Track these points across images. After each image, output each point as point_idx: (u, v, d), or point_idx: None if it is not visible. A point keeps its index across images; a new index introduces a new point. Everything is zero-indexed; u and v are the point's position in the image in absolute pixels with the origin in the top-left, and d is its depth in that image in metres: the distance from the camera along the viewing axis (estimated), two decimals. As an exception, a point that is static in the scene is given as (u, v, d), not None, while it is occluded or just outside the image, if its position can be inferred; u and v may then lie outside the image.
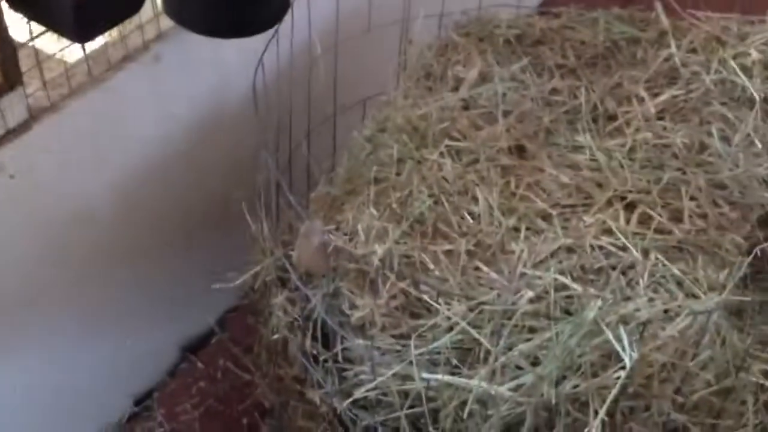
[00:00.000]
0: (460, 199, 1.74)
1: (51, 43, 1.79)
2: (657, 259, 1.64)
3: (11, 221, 1.80)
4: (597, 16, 2.09)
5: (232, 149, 2.16)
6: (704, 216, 1.73)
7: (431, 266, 1.64)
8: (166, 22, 1.86)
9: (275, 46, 1.84)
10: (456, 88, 1.96)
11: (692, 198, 1.75)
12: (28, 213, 1.82)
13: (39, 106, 1.77)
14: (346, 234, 1.70)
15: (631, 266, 1.64)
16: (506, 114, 1.90)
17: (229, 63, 2.04)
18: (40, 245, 1.88)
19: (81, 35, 1.63)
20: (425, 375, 1.55)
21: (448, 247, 1.67)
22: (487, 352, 1.54)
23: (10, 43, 1.66)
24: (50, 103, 1.79)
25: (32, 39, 1.72)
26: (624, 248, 1.66)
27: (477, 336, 1.54)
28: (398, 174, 1.79)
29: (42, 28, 1.67)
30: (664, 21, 2.06)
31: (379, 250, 1.63)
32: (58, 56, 1.82)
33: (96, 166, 1.92)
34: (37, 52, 1.75)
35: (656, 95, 1.93)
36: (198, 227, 2.23)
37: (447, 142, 1.82)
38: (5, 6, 1.60)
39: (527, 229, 1.70)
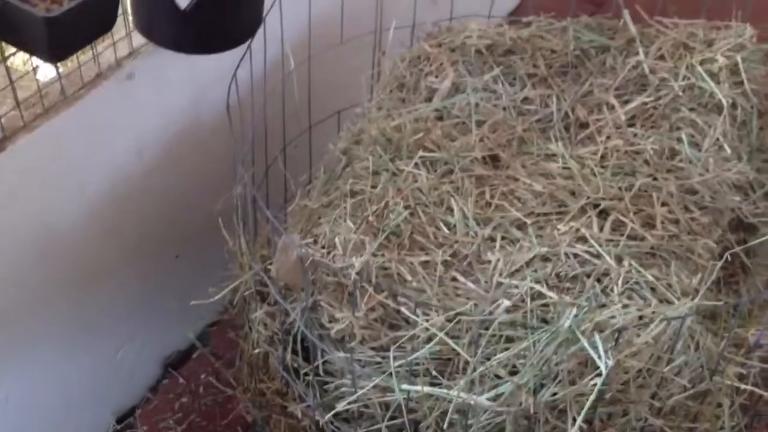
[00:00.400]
0: (436, 210, 1.75)
1: (25, 62, 1.78)
2: (630, 265, 1.65)
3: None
4: (566, 25, 2.10)
5: (209, 164, 2.16)
6: (676, 221, 1.74)
7: (409, 278, 1.65)
8: (139, 40, 1.87)
9: (249, 61, 1.85)
10: (429, 99, 1.97)
11: (664, 204, 1.76)
12: (5, 232, 1.82)
13: (13, 126, 1.77)
14: (323, 247, 1.71)
15: (606, 273, 1.65)
16: (479, 124, 1.91)
17: (204, 78, 2.04)
18: (16, 264, 1.87)
19: (53, 54, 1.62)
20: (405, 386, 1.57)
21: (424, 258, 1.68)
22: (466, 363, 1.55)
23: (-18, 64, 1.66)
24: (24, 122, 1.78)
25: (5, 59, 1.71)
26: (598, 255, 1.67)
27: (455, 347, 1.55)
28: (374, 186, 1.79)
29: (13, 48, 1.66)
30: (632, 28, 2.07)
31: (357, 262, 1.63)
32: (30, 75, 1.81)
33: (72, 184, 1.91)
34: (9, 71, 1.74)
35: (626, 102, 1.94)
36: (176, 242, 2.23)
37: (421, 153, 1.83)
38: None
39: (503, 238, 1.72)
